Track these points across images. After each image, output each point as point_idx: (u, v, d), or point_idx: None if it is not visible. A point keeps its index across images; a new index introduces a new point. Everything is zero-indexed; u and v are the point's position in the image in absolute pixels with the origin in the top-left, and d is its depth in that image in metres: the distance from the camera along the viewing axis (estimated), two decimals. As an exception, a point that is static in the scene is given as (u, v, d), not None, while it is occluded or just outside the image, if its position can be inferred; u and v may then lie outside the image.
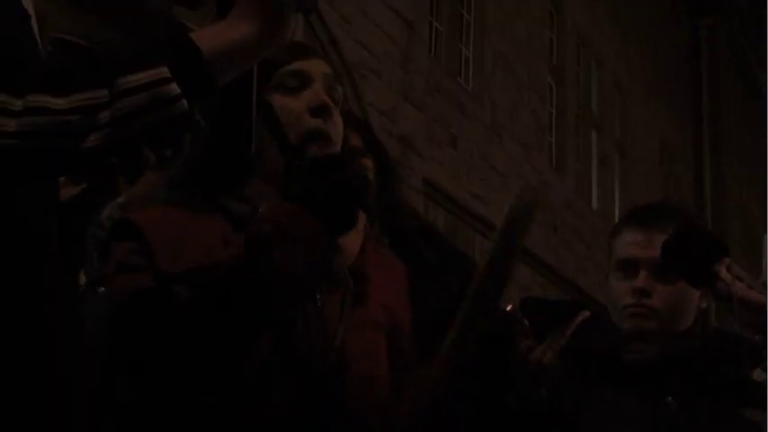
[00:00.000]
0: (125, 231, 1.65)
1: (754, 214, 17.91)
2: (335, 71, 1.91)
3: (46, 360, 1.25)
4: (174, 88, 1.21)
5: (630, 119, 14.49)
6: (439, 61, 9.94)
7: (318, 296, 1.67)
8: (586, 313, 2.00)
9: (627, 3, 14.44)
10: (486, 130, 10.40)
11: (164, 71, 1.21)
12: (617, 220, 2.47)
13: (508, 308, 1.97)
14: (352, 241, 1.77)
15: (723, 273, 1.81)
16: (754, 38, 18.49)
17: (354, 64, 8.08)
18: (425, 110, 9.23)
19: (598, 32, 13.60)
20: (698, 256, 1.85)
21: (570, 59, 12.93)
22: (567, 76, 12.78)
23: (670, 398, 2.10)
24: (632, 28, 14.60)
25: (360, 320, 1.72)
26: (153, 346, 1.53)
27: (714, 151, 16.66)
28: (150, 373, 1.55)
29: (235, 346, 1.53)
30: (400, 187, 2.63)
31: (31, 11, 1.33)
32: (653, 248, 2.12)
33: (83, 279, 2.57)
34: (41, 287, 1.25)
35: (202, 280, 1.53)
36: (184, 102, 1.22)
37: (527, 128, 11.32)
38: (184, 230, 1.64)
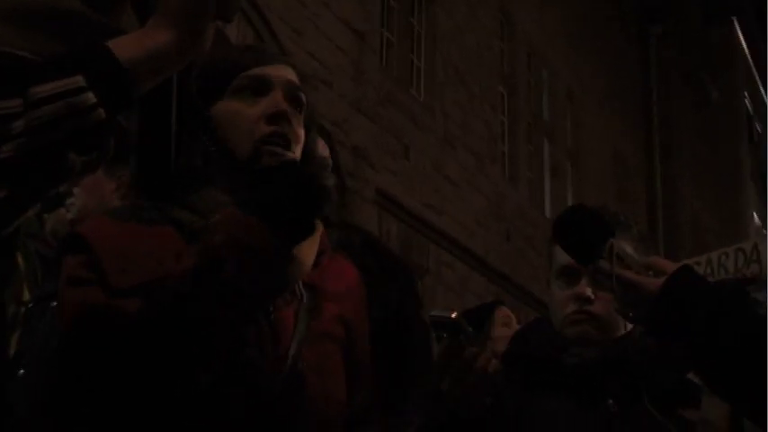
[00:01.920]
0: (75, 245, 1.62)
1: (705, 224, 18.10)
2: (301, 76, 1.88)
3: None
4: (90, 97, 1.20)
5: (582, 128, 14.61)
6: (390, 72, 9.98)
7: (272, 309, 1.65)
8: (502, 307, 2.02)
9: (577, 12, 14.57)
10: (438, 141, 10.45)
11: (79, 80, 1.20)
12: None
13: (453, 315, 1.98)
14: (307, 253, 1.74)
15: (606, 251, 1.85)
16: (703, 47, 18.71)
17: (306, 76, 8.02)
18: (378, 121, 9.26)
19: (549, 42, 13.71)
20: (583, 234, 1.89)
21: (521, 69, 13.03)
22: (519, 85, 12.87)
23: (611, 401, 2.13)
24: (583, 37, 14.72)
25: (314, 333, 1.71)
26: (104, 362, 1.51)
27: (665, 161, 16.82)
28: (102, 388, 1.54)
29: (186, 359, 1.51)
30: (348, 204, 2.63)
31: None
32: None
33: (27, 295, 2.56)
34: None
35: (152, 294, 1.51)
36: (101, 111, 1.21)
37: (479, 138, 11.39)
38: (134, 244, 1.61)
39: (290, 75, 1.83)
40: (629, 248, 1.94)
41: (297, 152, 1.75)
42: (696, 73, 18.73)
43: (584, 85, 14.76)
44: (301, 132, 1.79)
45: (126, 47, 1.27)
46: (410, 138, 9.87)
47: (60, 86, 1.19)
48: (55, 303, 1.94)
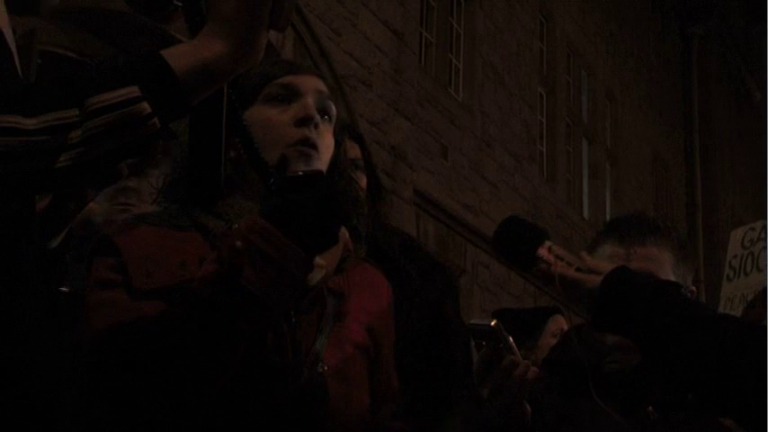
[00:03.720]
0: (105, 248, 1.65)
1: (745, 224, 17.91)
2: (331, 88, 1.89)
3: (21, 364, 1.26)
4: (145, 107, 1.21)
5: (621, 128, 14.53)
6: (429, 72, 9.97)
7: (293, 314, 1.66)
8: (558, 317, 2.03)
9: (617, 12, 14.49)
10: (476, 141, 10.43)
11: (134, 90, 1.21)
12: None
13: (492, 323, 1.98)
14: (330, 259, 1.75)
15: (545, 254, 1.89)
16: (746, 47, 18.54)
17: (345, 76, 8.10)
18: (416, 121, 9.25)
19: (588, 42, 13.64)
20: (520, 243, 1.93)
21: (560, 69, 12.97)
22: (558, 85, 12.82)
23: (651, 407, 2.11)
24: (623, 37, 14.64)
25: (338, 339, 1.72)
26: (124, 364, 1.53)
27: (705, 161, 16.69)
28: (121, 390, 1.55)
29: (206, 362, 1.52)
30: (387, 206, 2.64)
31: (6, 27, 1.33)
32: (633, 262, 2.14)
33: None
34: (18, 302, 1.25)
35: (173, 297, 1.53)
36: (156, 121, 1.22)
37: (518, 138, 11.36)
38: (160, 248, 1.64)
39: (321, 85, 1.84)
40: (562, 249, 1.98)
41: (324, 159, 1.77)
42: (738, 73, 18.55)
43: (624, 85, 14.67)
44: (330, 141, 1.81)
45: (180, 57, 1.27)
46: (448, 138, 9.86)
47: (116, 97, 1.20)
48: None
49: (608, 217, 13.37)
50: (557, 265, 1.89)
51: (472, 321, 2.01)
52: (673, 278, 2.16)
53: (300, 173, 1.63)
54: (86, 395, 1.60)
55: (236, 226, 1.58)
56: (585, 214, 13.35)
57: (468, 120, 10.33)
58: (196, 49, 1.30)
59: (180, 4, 1.41)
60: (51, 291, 1.42)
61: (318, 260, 1.68)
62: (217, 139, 1.53)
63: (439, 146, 9.71)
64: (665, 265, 2.18)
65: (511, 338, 1.96)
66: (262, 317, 1.54)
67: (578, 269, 1.90)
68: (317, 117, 1.77)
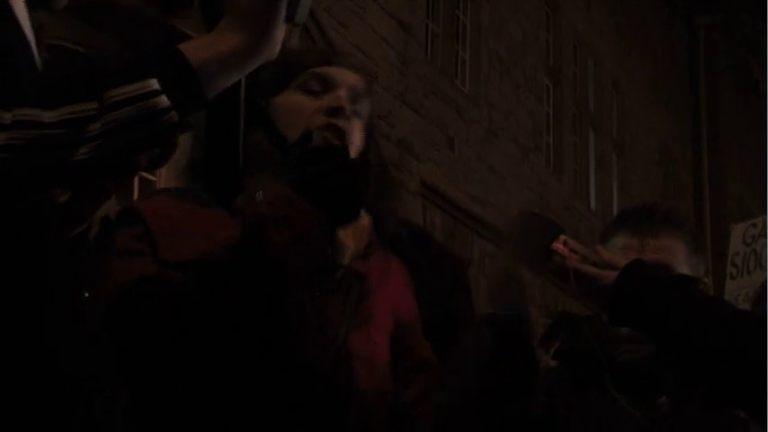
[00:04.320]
0: (129, 218, 1.65)
1: (753, 216, 17.87)
2: (367, 83, 1.88)
3: (44, 361, 1.26)
4: (163, 101, 1.21)
5: (628, 119, 14.50)
6: (435, 64, 9.96)
7: (318, 295, 1.67)
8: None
9: (623, 2, 14.45)
10: (483, 132, 10.41)
11: (153, 83, 1.21)
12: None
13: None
14: (355, 241, 1.77)
15: (560, 248, 1.89)
16: (753, 37, 18.48)
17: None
18: (423, 113, 9.24)
19: (595, 32, 13.61)
20: (536, 238, 1.93)
21: (567, 60, 12.94)
22: (564, 76, 12.78)
23: (664, 398, 2.11)
24: (629, 27, 14.60)
25: (361, 322, 1.72)
26: (152, 333, 1.52)
27: (712, 152, 16.65)
28: (148, 365, 1.55)
29: (230, 332, 1.52)
30: (396, 197, 2.64)
31: (24, 21, 1.33)
32: (647, 253, 2.13)
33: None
34: (39, 297, 1.26)
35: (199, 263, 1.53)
36: (174, 114, 1.22)
37: (524, 129, 11.34)
38: (186, 223, 1.65)
39: (356, 81, 1.84)
40: (577, 243, 1.98)
41: (351, 150, 1.75)
42: (744, 64, 18.49)
43: (631, 75, 14.63)
44: (358, 135, 1.80)
45: (198, 50, 1.27)
46: (455, 129, 9.84)
47: (135, 90, 1.20)
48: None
49: (615, 208, 13.36)
50: (572, 258, 1.88)
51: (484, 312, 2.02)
52: (686, 269, 2.16)
53: (323, 145, 1.64)
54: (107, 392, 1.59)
55: (260, 193, 1.59)
56: (593, 205, 13.32)
57: (475, 111, 10.32)
58: (213, 42, 1.30)
59: None
60: (69, 286, 1.42)
61: (345, 241, 1.69)
62: (235, 133, 1.53)
63: (445, 137, 9.70)
64: (678, 256, 2.17)
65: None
66: (284, 282, 1.53)
67: (594, 263, 1.89)
68: (349, 109, 1.77)
